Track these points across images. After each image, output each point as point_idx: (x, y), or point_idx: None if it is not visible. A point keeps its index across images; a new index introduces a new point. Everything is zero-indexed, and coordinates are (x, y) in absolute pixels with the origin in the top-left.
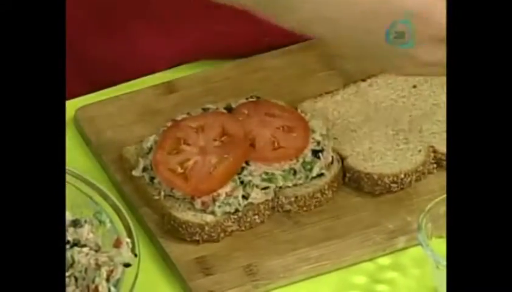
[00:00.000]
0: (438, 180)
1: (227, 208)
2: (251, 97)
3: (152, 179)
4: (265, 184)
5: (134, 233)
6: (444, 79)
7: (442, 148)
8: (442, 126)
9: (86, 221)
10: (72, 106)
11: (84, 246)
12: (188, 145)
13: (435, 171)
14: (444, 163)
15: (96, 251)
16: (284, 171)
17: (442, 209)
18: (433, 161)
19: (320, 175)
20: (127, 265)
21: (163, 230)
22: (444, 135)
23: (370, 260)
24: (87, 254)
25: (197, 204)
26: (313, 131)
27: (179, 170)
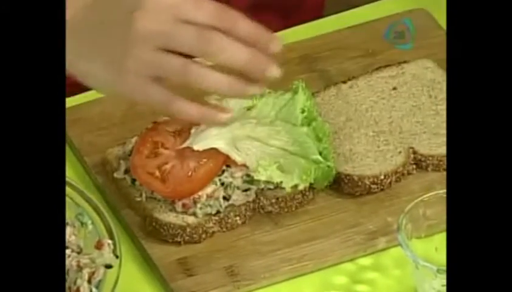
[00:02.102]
0: (418, 181)
1: (208, 210)
2: None
3: (133, 181)
4: (246, 186)
5: (116, 235)
6: (424, 81)
7: (421, 149)
8: (422, 128)
9: (67, 224)
10: None
11: (66, 248)
12: (166, 148)
13: (414, 172)
14: (424, 164)
15: (78, 253)
16: None
17: (422, 210)
18: (412, 162)
19: None
20: (108, 266)
21: (145, 231)
22: (424, 136)
23: (351, 260)
24: (69, 256)
25: (178, 206)
26: None
27: (157, 174)
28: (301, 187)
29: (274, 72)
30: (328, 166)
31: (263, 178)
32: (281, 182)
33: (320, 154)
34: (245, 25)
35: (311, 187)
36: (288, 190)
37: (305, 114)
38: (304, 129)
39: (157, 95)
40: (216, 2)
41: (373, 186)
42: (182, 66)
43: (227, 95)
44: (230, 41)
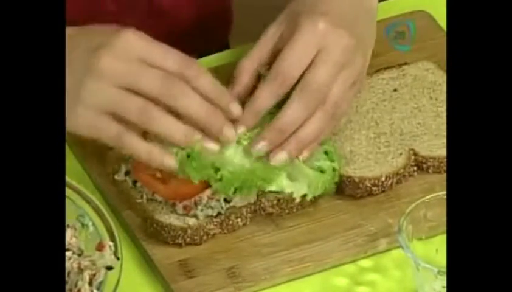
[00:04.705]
0: (419, 183)
1: (210, 212)
2: None
3: (134, 182)
4: None
5: (117, 236)
6: (424, 83)
7: (422, 151)
8: (423, 129)
9: (68, 226)
10: None
11: (67, 250)
12: None
13: (415, 174)
14: (424, 166)
15: (79, 255)
16: None
17: (423, 211)
18: (413, 164)
19: None
20: (109, 268)
21: (146, 233)
22: (424, 138)
23: (352, 262)
24: (69, 258)
25: (179, 208)
26: None
27: (158, 175)
28: (309, 197)
29: (229, 133)
30: (334, 169)
31: (274, 188)
32: (292, 192)
33: (326, 153)
34: (207, 81)
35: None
36: (298, 199)
37: None
38: None
39: (107, 129)
40: (183, 54)
41: (373, 188)
42: (141, 106)
43: (179, 144)
44: (192, 92)
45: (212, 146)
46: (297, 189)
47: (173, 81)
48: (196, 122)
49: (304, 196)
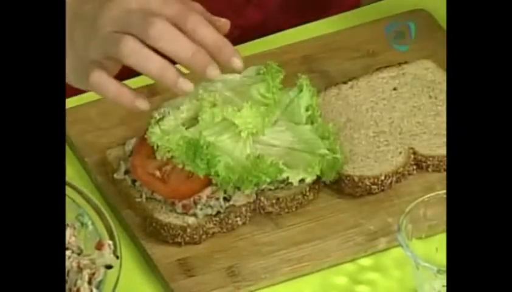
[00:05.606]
0: (418, 182)
1: (209, 211)
2: None
3: (134, 181)
4: None
5: (116, 235)
6: (424, 81)
7: (422, 149)
8: (422, 128)
9: (67, 225)
10: None
11: (67, 249)
12: None
13: (415, 172)
14: (424, 164)
15: (78, 254)
16: None
17: (422, 210)
18: (413, 163)
19: None
20: (109, 267)
21: (145, 232)
22: (424, 137)
23: (351, 261)
24: (69, 257)
25: (178, 207)
26: None
27: (158, 174)
28: (308, 180)
29: (214, 72)
30: (334, 157)
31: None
32: (288, 177)
33: (328, 150)
34: (206, 32)
35: (315, 183)
36: (295, 183)
37: (309, 112)
38: (308, 127)
39: (91, 70)
40: (182, 4)
41: (373, 187)
42: (124, 44)
43: (158, 82)
44: (175, 32)
45: (186, 85)
46: (293, 174)
47: (151, 20)
48: (180, 61)
49: (303, 180)
